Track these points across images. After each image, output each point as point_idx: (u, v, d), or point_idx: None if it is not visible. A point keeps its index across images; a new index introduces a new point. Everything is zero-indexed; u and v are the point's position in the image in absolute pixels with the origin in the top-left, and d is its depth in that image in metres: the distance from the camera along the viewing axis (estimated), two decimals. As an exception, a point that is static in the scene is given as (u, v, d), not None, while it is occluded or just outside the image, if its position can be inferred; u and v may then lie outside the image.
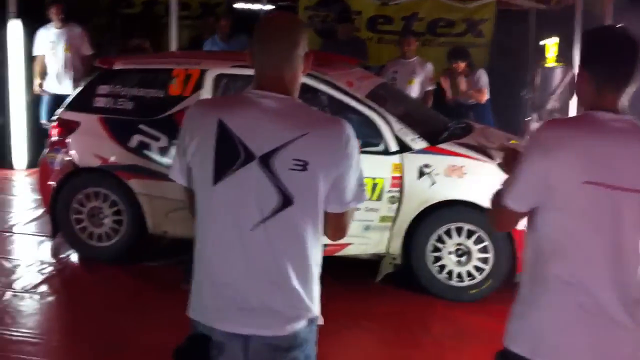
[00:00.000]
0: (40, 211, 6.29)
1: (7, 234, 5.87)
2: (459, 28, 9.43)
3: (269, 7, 10.96)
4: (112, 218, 5.15)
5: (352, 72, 5.31)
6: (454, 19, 9.42)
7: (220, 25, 8.16)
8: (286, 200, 1.89)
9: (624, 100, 1.97)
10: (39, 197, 6.58)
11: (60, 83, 7.68)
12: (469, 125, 5.42)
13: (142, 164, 4.98)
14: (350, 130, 1.95)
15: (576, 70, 6.02)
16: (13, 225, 6.07)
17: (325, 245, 4.53)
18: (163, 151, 4.94)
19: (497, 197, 2.07)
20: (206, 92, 4.80)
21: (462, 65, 7.20)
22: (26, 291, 4.67)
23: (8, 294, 4.59)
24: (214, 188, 1.91)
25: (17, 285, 4.74)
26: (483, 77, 7.23)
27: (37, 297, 4.63)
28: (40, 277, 4.90)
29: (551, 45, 7.63)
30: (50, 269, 5.08)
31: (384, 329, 4.41)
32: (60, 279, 4.97)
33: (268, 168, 1.88)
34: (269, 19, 2.12)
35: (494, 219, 2.16)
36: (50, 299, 4.66)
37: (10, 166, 8.00)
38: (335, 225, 2.05)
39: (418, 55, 7.64)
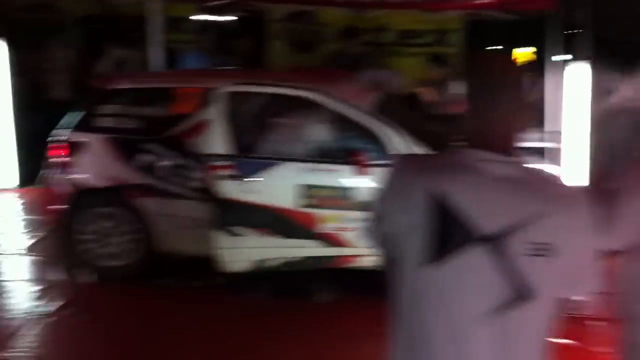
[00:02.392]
0: (42, 232, 6.27)
1: (15, 256, 5.81)
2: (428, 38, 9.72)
3: (232, 17, 10.97)
4: (121, 238, 5.14)
5: (352, 86, 5.43)
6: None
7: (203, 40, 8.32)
8: (522, 295, 1.51)
9: None
10: (41, 217, 6.58)
11: None
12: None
13: (149, 182, 5.00)
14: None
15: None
16: (19, 247, 5.99)
17: (338, 257, 4.73)
18: (169, 169, 4.96)
19: None
20: (214, 110, 4.81)
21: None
22: (48, 315, 4.64)
23: (27, 318, 4.56)
24: (425, 271, 1.56)
25: (37, 310, 4.70)
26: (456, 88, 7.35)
27: (59, 320, 4.59)
28: (59, 301, 4.84)
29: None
30: (68, 289, 5.01)
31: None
32: (79, 301, 4.88)
33: (499, 252, 1.51)
34: (492, 61, 1.70)
35: None
36: (74, 321, 4.60)
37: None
38: None
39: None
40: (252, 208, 4.61)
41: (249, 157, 4.69)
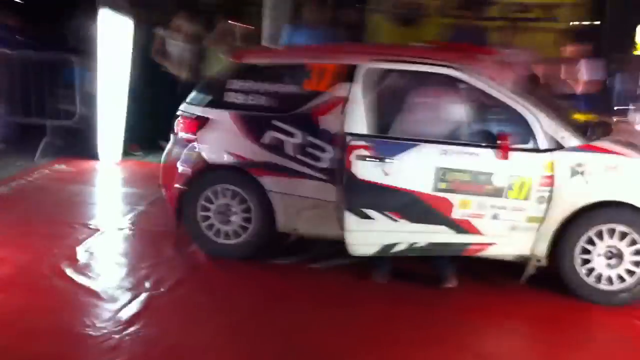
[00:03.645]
0: (145, 206, 6.28)
1: (123, 230, 5.78)
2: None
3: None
4: (241, 215, 5.05)
5: (494, 63, 5.14)
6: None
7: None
8: None
9: None
10: (143, 191, 6.62)
11: None
12: (606, 122, 5.27)
13: (276, 160, 4.87)
14: None
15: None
16: (128, 220, 5.99)
17: (468, 245, 4.54)
18: (297, 148, 4.82)
19: None
20: (351, 88, 4.59)
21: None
22: (167, 291, 4.58)
23: (144, 295, 4.48)
24: None
25: (154, 285, 4.63)
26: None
27: (178, 296, 4.54)
28: (175, 275, 4.80)
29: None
30: (181, 266, 4.99)
31: (539, 332, 4.31)
32: (196, 277, 4.87)
33: None
34: None
35: None
36: (193, 298, 4.55)
37: (95, 157, 7.93)
38: None
39: None
40: (385, 190, 4.43)
41: (387, 138, 4.49)
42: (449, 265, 4.77)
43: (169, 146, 5.29)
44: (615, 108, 7.59)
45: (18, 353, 3.72)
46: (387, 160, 4.40)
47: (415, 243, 4.54)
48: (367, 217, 4.47)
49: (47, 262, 4.90)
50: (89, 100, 7.94)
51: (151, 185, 6.55)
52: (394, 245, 4.55)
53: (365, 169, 4.40)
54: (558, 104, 5.48)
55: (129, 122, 8.14)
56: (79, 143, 8.10)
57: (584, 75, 6.84)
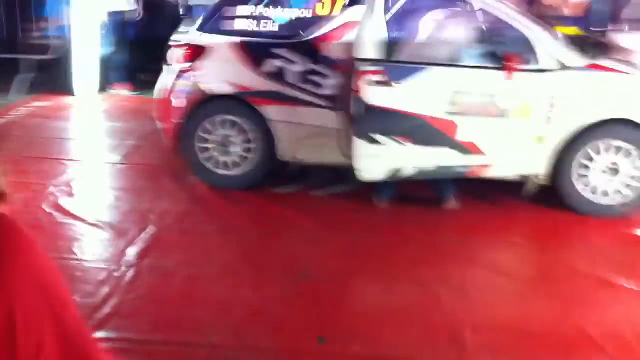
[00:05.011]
0: (134, 139, 6.15)
1: (118, 165, 5.67)
2: None
3: None
4: (241, 146, 5.00)
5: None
6: None
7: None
8: None
9: None
10: (131, 125, 6.48)
11: None
12: (602, 42, 5.30)
13: (277, 89, 4.79)
14: None
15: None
16: (120, 155, 5.86)
17: (472, 166, 4.58)
18: (300, 76, 4.75)
19: None
20: (367, 12, 4.42)
21: None
22: (173, 223, 4.54)
23: (151, 228, 4.43)
24: None
25: (160, 218, 4.59)
26: None
27: (185, 227, 4.52)
28: (179, 208, 4.77)
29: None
30: (184, 199, 4.95)
31: (541, 243, 4.49)
32: (200, 208, 4.85)
33: None
34: None
35: None
36: (200, 229, 4.54)
37: (72, 93, 7.68)
38: None
39: None
40: (395, 115, 4.42)
41: (398, 62, 4.44)
42: (451, 187, 4.83)
43: (162, 78, 5.15)
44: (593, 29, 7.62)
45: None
46: (396, 84, 4.36)
47: (423, 167, 4.58)
48: (376, 142, 4.47)
49: (47, 200, 4.80)
50: (63, 32, 7.62)
51: (138, 119, 6.44)
52: (402, 169, 4.58)
53: (375, 94, 4.36)
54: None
55: (109, 54, 7.86)
56: (54, 78, 7.81)
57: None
